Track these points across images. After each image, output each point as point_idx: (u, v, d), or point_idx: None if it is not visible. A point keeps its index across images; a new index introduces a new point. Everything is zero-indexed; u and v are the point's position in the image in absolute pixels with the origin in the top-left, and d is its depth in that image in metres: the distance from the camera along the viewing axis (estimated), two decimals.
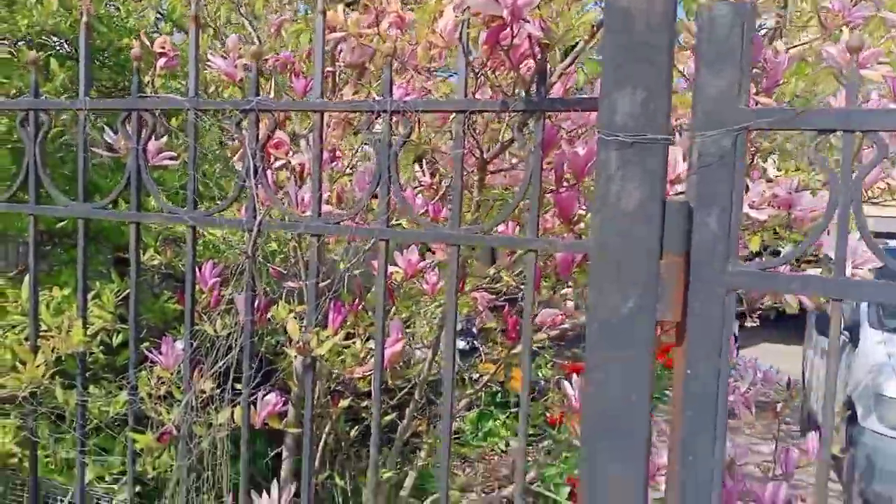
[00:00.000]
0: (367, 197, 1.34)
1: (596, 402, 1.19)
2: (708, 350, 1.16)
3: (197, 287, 1.63)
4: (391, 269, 1.77)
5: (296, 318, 1.42)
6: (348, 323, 1.56)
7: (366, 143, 1.64)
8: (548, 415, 2.63)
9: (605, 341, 1.17)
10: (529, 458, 4.60)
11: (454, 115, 1.32)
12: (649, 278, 1.15)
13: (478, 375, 4.11)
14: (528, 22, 1.11)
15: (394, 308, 1.98)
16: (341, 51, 1.78)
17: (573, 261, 1.49)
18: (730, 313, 1.15)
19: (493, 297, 2.05)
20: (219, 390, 1.52)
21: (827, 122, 1.08)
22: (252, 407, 1.53)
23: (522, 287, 1.76)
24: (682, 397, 1.19)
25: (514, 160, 1.48)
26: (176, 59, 1.91)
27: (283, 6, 2.44)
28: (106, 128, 1.63)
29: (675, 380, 1.20)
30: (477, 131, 1.43)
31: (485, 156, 1.46)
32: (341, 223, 1.37)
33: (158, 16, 3.57)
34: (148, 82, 2.08)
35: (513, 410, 3.80)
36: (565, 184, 1.47)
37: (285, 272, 2.13)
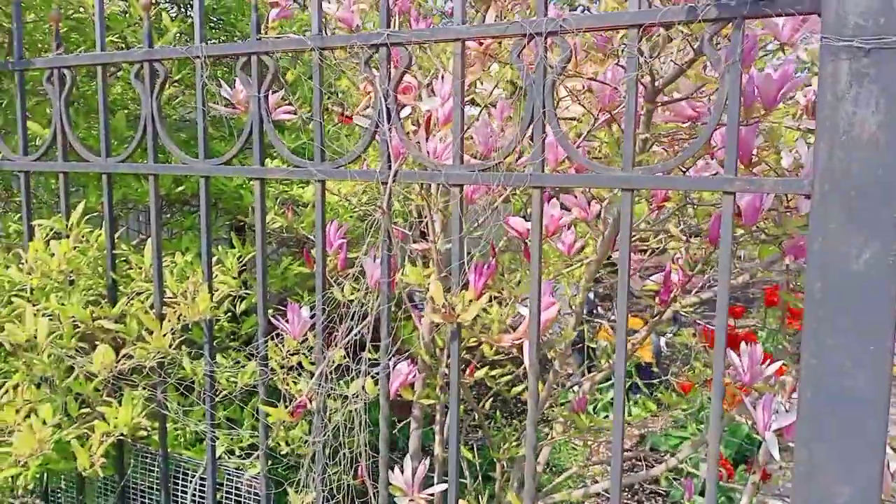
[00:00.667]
0: (520, 136, 1.15)
1: (818, 386, 0.96)
2: None
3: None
4: (523, 226, 1.58)
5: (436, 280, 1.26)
6: (490, 286, 1.38)
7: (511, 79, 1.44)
8: (677, 382, 2.39)
9: (834, 304, 0.94)
10: (656, 429, 4.34)
11: (624, 31, 1.10)
12: (886, 221, 0.90)
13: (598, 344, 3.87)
14: None
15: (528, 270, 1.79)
16: None
17: (758, 208, 1.25)
18: None
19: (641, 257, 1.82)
20: (352, 360, 1.38)
21: None
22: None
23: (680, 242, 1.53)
24: None
25: (689, 87, 1.24)
26: (290, 11, 1.77)
27: None
28: (223, 83, 1.51)
29: None
30: (643, 53, 1.20)
31: (655, 83, 1.23)
32: (488, 170, 1.18)
33: None
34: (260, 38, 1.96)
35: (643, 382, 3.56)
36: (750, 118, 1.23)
37: (409, 233, 1.98)
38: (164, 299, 1.53)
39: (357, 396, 1.36)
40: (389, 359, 1.39)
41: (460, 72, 1.18)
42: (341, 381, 1.44)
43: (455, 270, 1.23)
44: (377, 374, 1.37)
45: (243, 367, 1.55)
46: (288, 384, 1.45)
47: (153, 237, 1.53)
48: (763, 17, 1.00)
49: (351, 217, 2.40)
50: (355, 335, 1.36)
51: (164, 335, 1.43)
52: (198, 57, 1.40)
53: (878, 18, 0.88)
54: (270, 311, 1.60)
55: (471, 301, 1.29)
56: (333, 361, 1.44)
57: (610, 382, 3.65)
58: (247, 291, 1.74)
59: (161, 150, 1.81)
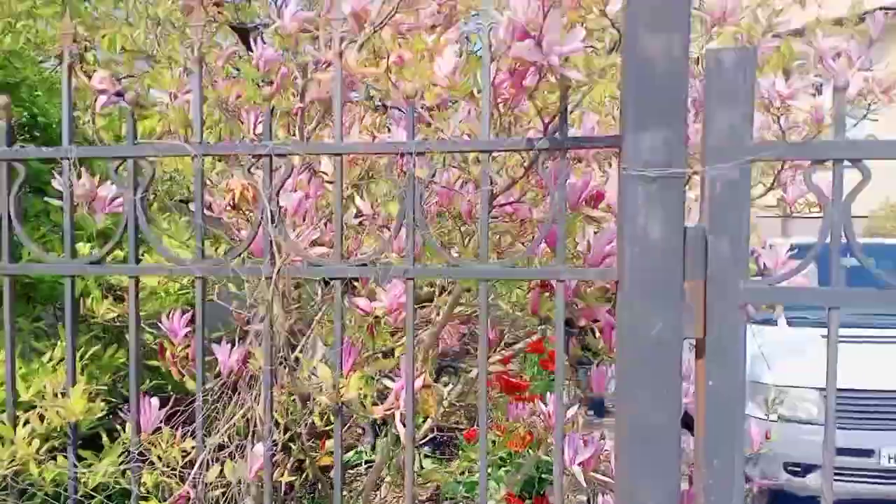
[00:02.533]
0: (392, 238, 1.37)
1: (629, 422, 1.28)
2: (727, 360, 1.29)
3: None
4: (368, 306, 1.79)
5: (323, 361, 1.42)
6: (359, 364, 1.56)
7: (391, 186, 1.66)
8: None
9: (637, 363, 1.27)
10: None
11: (477, 154, 1.38)
12: (676, 302, 1.26)
13: None
14: (566, 67, 1.20)
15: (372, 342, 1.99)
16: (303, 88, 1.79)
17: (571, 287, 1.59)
18: (744, 326, 1.28)
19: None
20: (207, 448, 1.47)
21: (823, 152, 1.25)
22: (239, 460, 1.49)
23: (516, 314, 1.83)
24: (706, 406, 1.30)
25: (517, 194, 1.56)
26: (119, 97, 1.84)
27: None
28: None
29: (698, 390, 1.32)
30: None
31: (493, 191, 1.53)
32: (367, 265, 1.38)
33: None
34: (87, 121, 1.98)
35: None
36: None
37: (248, 315, 2.08)
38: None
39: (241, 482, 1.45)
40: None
41: (340, 183, 1.38)
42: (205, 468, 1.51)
43: (338, 355, 1.40)
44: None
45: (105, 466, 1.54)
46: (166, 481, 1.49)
47: (7, 341, 1.48)
48: (581, 149, 1.33)
49: (171, 300, 2.42)
50: (230, 426, 1.46)
51: (25, 441, 1.40)
52: (66, 158, 1.43)
53: (661, 156, 1.25)
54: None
55: (346, 379, 1.46)
56: (186, 452, 1.50)
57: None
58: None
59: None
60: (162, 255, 1.45)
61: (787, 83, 1.70)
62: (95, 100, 1.78)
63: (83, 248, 2.19)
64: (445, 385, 3.51)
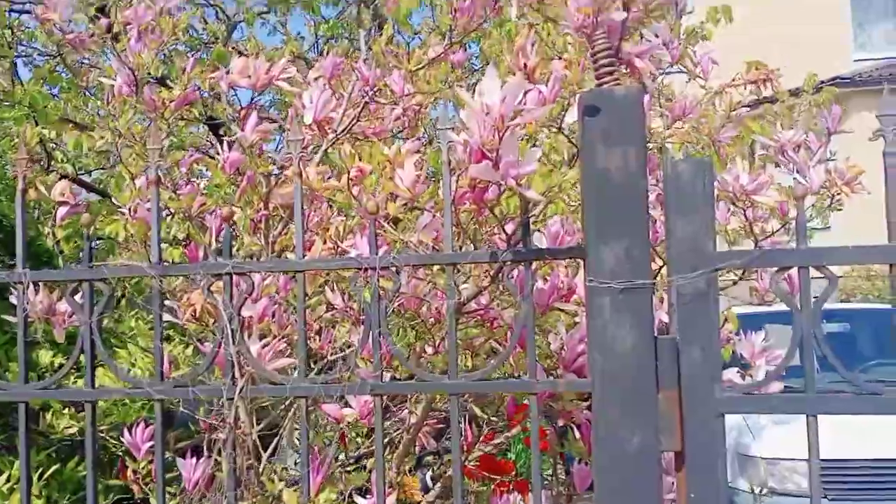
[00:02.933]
0: (357, 354, 1.33)
1: None
2: (707, 471, 1.25)
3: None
4: (338, 413, 1.74)
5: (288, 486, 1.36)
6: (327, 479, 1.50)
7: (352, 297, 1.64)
8: None
9: (615, 478, 1.23)
10: None
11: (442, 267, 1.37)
12: (651, 413, 1.23)
13: None
14: (524, 187, 1.20)
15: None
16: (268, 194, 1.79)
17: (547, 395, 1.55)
18: (721, 435, 1.25)
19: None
20: None
21: (787, 260, 1.25)
22: None
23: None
24: None
25: (485, 301, 1.54)
26: (80, 208, 1.82)
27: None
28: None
29: (680, 503, 1.28)
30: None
31: (461, 300, 1.51)
32: (330, 383, 1.34)
33: None
34: (47, 234, 1.95)
35: None
36: None
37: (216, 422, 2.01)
38: None
39: None
40: None
41: (302, 299, 1.35)
42: None
43: (305, 477, 1.34)
44: None
45: None
46: None
47: None
48: (545, 260, 1.32)
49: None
50: None
51: None
52: (20, 283, 1.39)
53: (625, 266, 1.24)
54: None
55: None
56: None
57: None
58: None
59: None
60: (117, 375, 1.40)
61: (751, 177, 1.72)
62: (55, 211, 1.76)
63: (45, 355, 2.13)
64: (427, 468, 3.42)
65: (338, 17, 5.08)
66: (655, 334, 1.24)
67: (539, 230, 1.57)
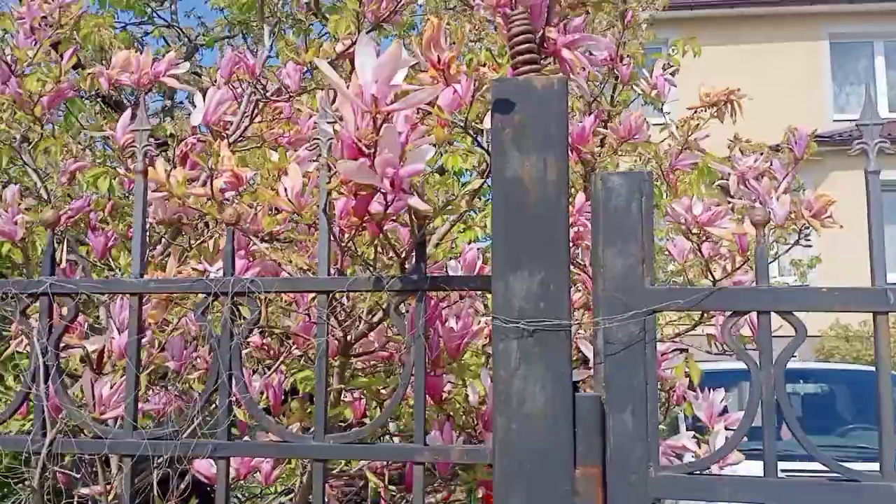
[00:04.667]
0: (199, 406, 1.05)
1: None
2: None
3: None
4: (210, 471, 1.44)
5: None
6: None
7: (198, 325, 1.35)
8: None
9: None
10: None
11: (315, 295, 1.09)
12: (565, 497, 0.95)
13: None
14: (409, 193, 0.93)
15: None
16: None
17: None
18: None
19: None
20: None
21: (743, 302, 0.99)
22: None
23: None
24: None
25: (378, 338, 1.27)
26: None
27: (81, 151, 2.10)
28: None
29: None
30: (337, 308, 1.21)
31: (348, 337, 1.23)
32: (160, 439, 1.04)
33: None
34: None
35: None
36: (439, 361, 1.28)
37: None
38: None
39: None
40: None
41: (135, 329, 1.06)
42: None
43: None
44: None
45: None
46: None
47: None
48: (442, 291, 1.05)
49: None
50: None
51: None
52: None
53: (539, 302, 0.97)
54: None
55: None
56: None
57: None
58: None
59: None
60: None
61: (704, 206, 1.47)
62: None
63: None
64: None
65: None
66: (574, 391, 0.97)
67: (455, 258, 1.30)
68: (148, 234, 1.54)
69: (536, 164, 0.98)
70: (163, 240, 1.56)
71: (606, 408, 0.98)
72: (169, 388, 1.39)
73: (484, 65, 1.31)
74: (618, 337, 0.99)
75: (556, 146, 0.98)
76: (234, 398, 1.04)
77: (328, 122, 1.03)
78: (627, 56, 2.21)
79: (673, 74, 2.65)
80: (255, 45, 5.03)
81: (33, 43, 1.78)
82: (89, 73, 1.63)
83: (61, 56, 1.64)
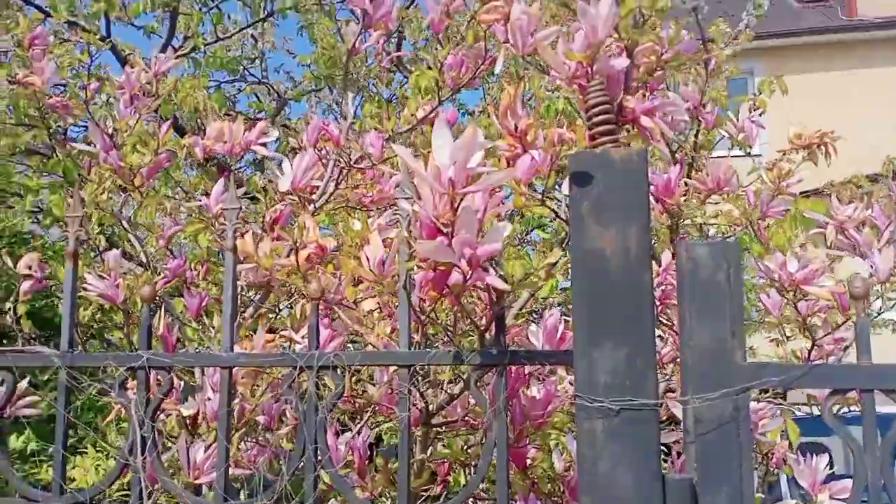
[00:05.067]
0: (285, 478, 1.06)
1: None
2: None
3: None
4: None
5: None
6: None
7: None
8: None
9: None
10: None
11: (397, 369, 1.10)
12: None
13: None
14: (487, 271, 0.93)
15: None
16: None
17: None
18: None
19: None
20: None
21: (843, 380, 0.93)
22: None
23: None
24: None
25: (460, 406, 1.26)
26: (45, 282, 1.65)
27: (177, 209, 2.22)
28: None
29: None
30: (418, 380, 1.21)
31: (430, 407, 1.23)
32: None
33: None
34: (8, 309, 1.79)
35: None
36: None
37: None
38: None
39: None
40: None
41: (225, 401, 1.10)
42: None
43: None
44: None
45: None
46: None
47: None
48: (522, 365, 1.04)
49: None
50: None
51: None
52: None
53: (624, 380, 0.95)
54: None
55: None
56: None
57: None
58: None
59: None
60: (16, 486, 1.17)
61: (800, 263, 1.40)
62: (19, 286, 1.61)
63: None
64: None
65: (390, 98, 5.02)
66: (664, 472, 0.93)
67: (537, 324, 1.29)
68: (238, 296, 1.60)
69: (617, 236, 0.96)
70: (252, 301, 1.61)
71: (698, 489, 0.94)
72: (259, 440, 1.43)
73: (560, 121, 1.31)
74: (708, 416, 0.94)
75: (637, 217, 0.96)
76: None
77: (405, 198, 1.04)
78: (711, 100, 2.15)
79: (760, 115, 2.57)
80: (342, 97, 5.22)
81: (133, 112, 1.91)
82: (185, 144, 1.72)
83: (160, 124, 1.74)
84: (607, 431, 0.94)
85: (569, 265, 1.13)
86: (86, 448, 2.15)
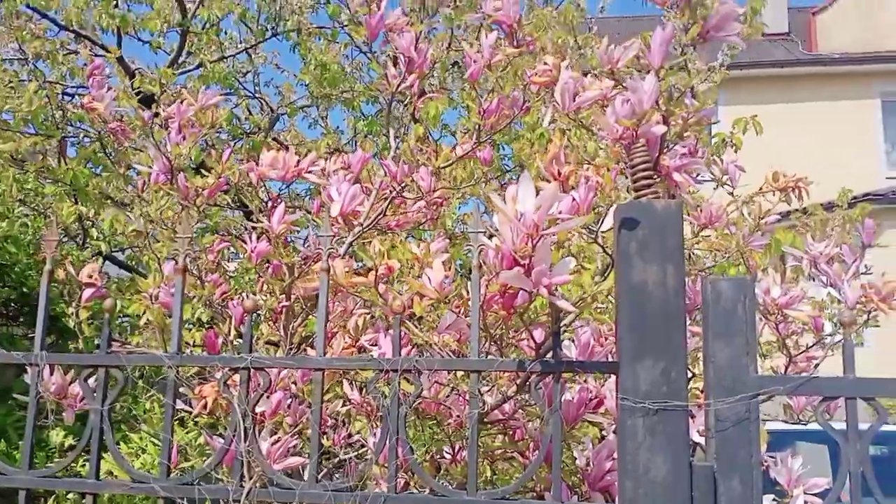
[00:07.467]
0: (372, 462, 1.27)
1: None
2: None
3: None
4: None
5: None
6: None
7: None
8: None
9: None
10: None
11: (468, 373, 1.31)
12: None
13: None
14: (555, 296, 1.15)
15: None
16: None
17: None
18: None
19: None
20: None
21: (833, 390, 1.18)
22: None
23: None
24: None
25: (509, 410, 1.48)
26: (104, 290, 1.81)
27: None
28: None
29: None
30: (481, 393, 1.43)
31: (485, 408, 1.45)
32: (341, 490, 1.27)
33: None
34: (71, 313, 1.93)
35: None
36: None
37: None
38: None
39: None
40: None
41: (319, 399, 1.29)
42: None
43: None
44: None
45: None
46: None
47: None
48: (574, 373, 1.26)
49: None
50: None
51: None
52: (36, 365, 1.36)
53: (661, 387, 1.18)
54: None
55: None
56: None
57: None
58: None
59: None
60: (123, 468, 1.34)
61: (782, 290, 1.66)
62: (81, 293, 1.75)
63: (56, 435, 2.08)
64: None
65: (376, 114, 5.23)
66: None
67: (571, 340, 1.52)
68: (290, 308, 1.79)
69: (658, 272, 1.19)
70: (304, 311, 1.80)
71: (717, 475, 1.17)
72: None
73: (589, 166, 1.54)
74: (726, 416, 1.18)
75: (674, 257, 1.20)
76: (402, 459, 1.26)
77: (481, 233, 1.26)
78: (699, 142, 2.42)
79: (735, 152, 2.86)
80: (327, 112, 5.40)
81: (182, 139, 2.09)
82: (241, 168, 1.91)
83: (220, 154, 1.92)
84: (647, 427, 1.17)
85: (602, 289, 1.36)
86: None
